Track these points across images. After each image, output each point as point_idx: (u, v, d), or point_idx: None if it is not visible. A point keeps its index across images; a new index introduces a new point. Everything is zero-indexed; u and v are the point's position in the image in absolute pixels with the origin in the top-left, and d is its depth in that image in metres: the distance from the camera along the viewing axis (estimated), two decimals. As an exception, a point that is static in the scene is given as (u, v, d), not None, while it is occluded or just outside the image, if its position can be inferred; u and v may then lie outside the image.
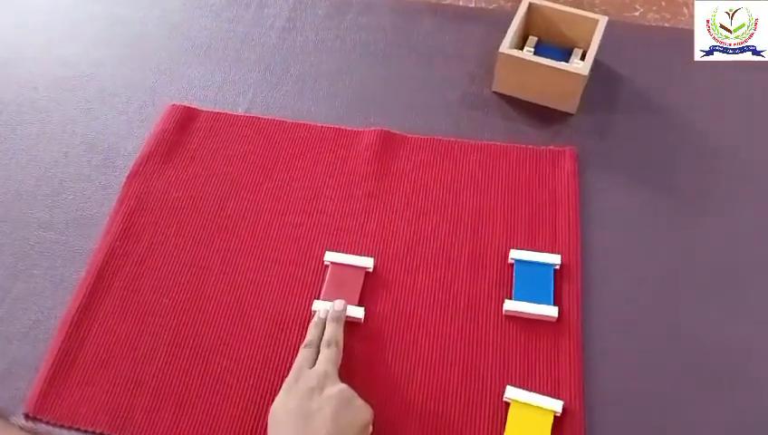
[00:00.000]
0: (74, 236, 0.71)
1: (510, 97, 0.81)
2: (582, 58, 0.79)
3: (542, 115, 0.80)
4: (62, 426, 0.59)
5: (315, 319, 0.62)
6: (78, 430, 0.59)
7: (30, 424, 0.59)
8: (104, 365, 0.62)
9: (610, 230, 0.70)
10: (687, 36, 0.82)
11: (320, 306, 0.64)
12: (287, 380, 0.57)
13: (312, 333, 0.61)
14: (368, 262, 0.67)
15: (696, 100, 0.80)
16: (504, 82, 0.81)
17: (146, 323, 0.65)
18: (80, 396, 0.60)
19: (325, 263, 0.68)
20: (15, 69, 0.86)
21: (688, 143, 0.77)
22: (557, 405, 0.58)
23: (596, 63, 0.77)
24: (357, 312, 0.64)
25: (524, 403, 0.59)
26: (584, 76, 0.75)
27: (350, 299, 0.64)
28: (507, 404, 0.59)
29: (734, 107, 0.80)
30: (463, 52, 0.86)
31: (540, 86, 0.78)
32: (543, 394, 0.59)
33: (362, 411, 0.55)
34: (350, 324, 0.63)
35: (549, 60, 0.76)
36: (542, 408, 0.59)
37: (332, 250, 0.68)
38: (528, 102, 0.81)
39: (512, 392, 0.60)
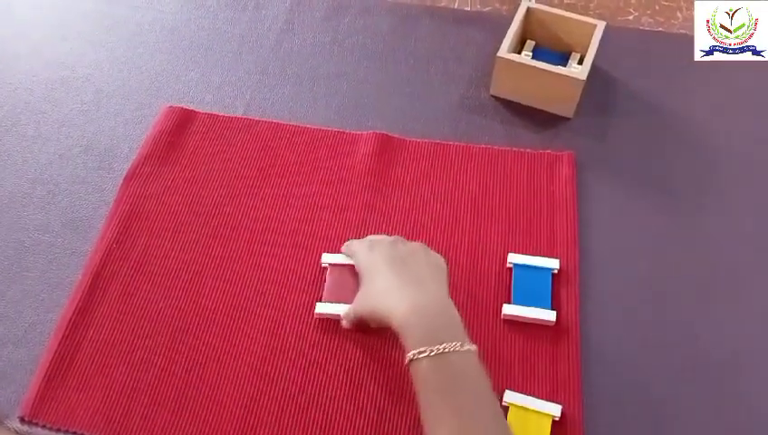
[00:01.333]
0: (70, 238, 0.71)
1: (508, 101, 0.82)
2: (580, 62, 0.79)
3: (540, 119, 0.80)
4: (58, 430, 0.59)
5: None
6: (74, 433, 0.59)
7: (26, 428, 0.59)
8: (101, 369, 0.62)
9: (608, 234, 0.70)
10: (683, 40, 0.82)
11: (324, 309, 0.64)
12: (360, 245, 0.63)
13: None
14: None
15: (694, 103, 0.81)
16: (503, 86, 0.81)
17: (142, 327, 0.64)
18: (76, 400, 0.60)
19: (323, 265, 0.68)
20: (10, 70, 0.86)
21: (686, 146, 0.77)
22: (555, 409, 0.58)
23: (593, 68, 0.77)
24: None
25: (523, 407, 0.59)
26: (582, 81, 0.75)
27: (351, 299, 0.64)
28: (506, 408, 0.59)
29: (732, 109, 0.80)
30: (461, 55, 0.87)
31: (538, 90, 0.79)
32: (542, 398, 0.59)
33: (440, 258, 0.60)
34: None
35: (547, 64, 0.76)
36: (540, 412, 0.59)
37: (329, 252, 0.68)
38: (526, 106, 0.81)
39: (510, 397, 0.59)
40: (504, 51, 0.77)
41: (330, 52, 0.87)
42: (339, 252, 0.68)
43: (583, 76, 0.75)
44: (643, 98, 0.82)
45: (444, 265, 0.59)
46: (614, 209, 0.72)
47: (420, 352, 0.51)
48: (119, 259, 0.68)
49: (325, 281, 0.66)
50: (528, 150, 0.76)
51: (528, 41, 0.84)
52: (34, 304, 0.67)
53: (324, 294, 0.66)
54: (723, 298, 0.66)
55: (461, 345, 0.51)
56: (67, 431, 0.59)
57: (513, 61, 0.77)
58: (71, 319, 0.64)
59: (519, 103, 0.81)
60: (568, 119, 0.80)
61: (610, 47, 0.81)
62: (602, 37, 0.78)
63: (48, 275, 0.68)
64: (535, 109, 0.80)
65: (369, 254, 0.60)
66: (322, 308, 0.64)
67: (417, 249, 0.60)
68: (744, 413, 0.60)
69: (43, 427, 0.59)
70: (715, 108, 0.80)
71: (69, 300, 0.66)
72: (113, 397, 0.60)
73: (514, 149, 0.77)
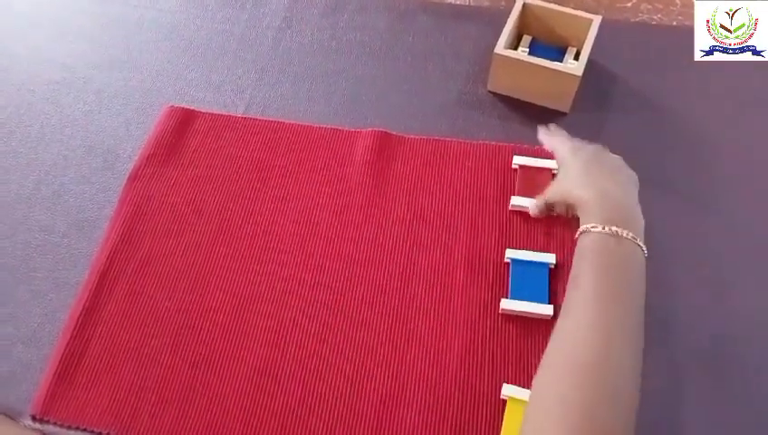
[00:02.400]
0: (76, 239, 0.72)
1: (505, 96, 0.82)
2: (576, 57, 0.80)
3: (537, 114, 0.81)
4: (69, 427, 0.60)
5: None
6: (85, 430, 0.60)
7: (37, 425, 0.61)
8: (109, 368, 0.63)
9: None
10: (681, 34, 0.83)
11: (517, 201, 0.71)
12: (566, 142, 0.66)
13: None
14: None
15: (691, 98, 0.81)
16: (500, 82, 0.82)
17: (148, 326, 0.66)
18: (85, 398, 0.62)
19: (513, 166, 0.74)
20: (11, 71, 0.87)
21: (682, 141, 0.78)
22: None
23: (590, 62, 0.78)
24: None
25: (521, 400, 0.60)
26: (578, 76, 0.76)
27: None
28: (504, 401, 0.61)
29: (729, 104, 0.81)
30: (458, 51, 0.87)
31: (534, 86, 0.79)
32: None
33: (635, 175, 0.62)
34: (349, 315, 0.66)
35: (543, 60, 0.77)
36: None
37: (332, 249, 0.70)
38: (523, 102, 0.82)
39: (508, 390, 0.61)
40: (501, 47, 0.78)
41: (328, 49, 0.88)
42: (341, 244, 0.70)
43: (579, 72, 0.76)
44: (640, 92, 0.82)
45: (637, 181, 0.61)
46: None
47: (593, 227, 0.54)
48: (124, 260, 0.69)
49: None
50: (525, 146, 0.77)
51: (525, 36, 0.84)
52: (42, 303, 0.68)
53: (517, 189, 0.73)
54: (719, 293, 0.67)
55: (638, 241, 0.54)
56: (78, 428, 0.60)
57: (510, 57, 0.78)
58: (78, 319, 0.65)
59: (516, 99, 0.82)
60: (564, 114, 0.81)
61: (608, 41, 0.81)
62: (600, 30, 0.79)
63: (55, 275, 0.70)
64: (532, 104, 0.81)
65: (575, 151, 0.63)
66: (517, 201, 0.71)
67: (619, 160, 0.62)
68: (745, 404, 0.61)
69: (55, 424, 0.61)
70: (713, 102, 0.81)
71: (76, 300, 0.67)
72: (121, 395, 0.62)
73: (512, 144, 0.77)
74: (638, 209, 0.57)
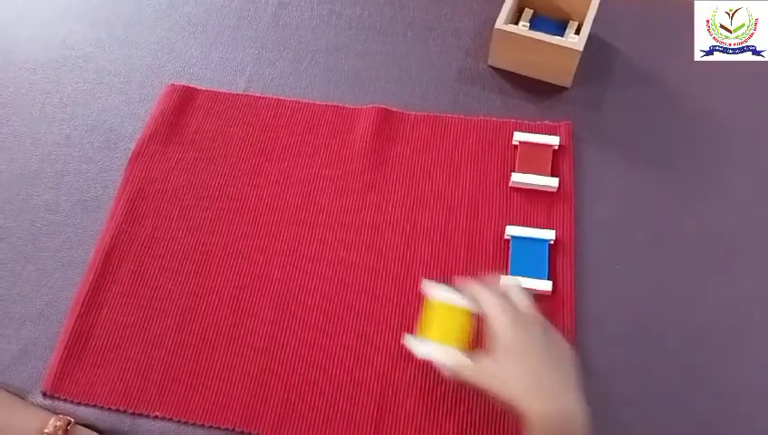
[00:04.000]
0: (80, 218, 0.73)
1: (506, 71, 0.82)
2: (578, 31, 0.79)
3: (538, 89, 0.80)
4: (78, 403, 0.62)
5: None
6: (94, 406, 0.62)
7: (47, 402, 0.62)
8: (116, 346, 0.65)
9: (605, 203, 0.72)
10: (683, 9, 0.82)
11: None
12: (502, 312, 0.56)
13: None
14: None
15: (691, 72, 0.81)
16: (500, 57, 0.81)
17: (153, 306, 0.67)
18: (94, 375, 0.63)
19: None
20: (11, 50, 0.87)
21: (683, 116, 0.78)
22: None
23: (591, 37, 0.77)
24: None
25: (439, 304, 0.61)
26: (579, 51, 0.75)
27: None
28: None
29: (731, 80, 0.80)
30: (458, 26, 0.87)
31: (535, 61, 0.79)
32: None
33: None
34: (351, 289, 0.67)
35: (544, 35, 0.76)
36: (455, 307, 0.60)
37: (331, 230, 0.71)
38: (524, 77, 0.81)
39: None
40: (501, 22, 0.78)
41: (327, 25, 0.88)
42: (342, 226, 0.70)
43: (580, 47, 0.75)
44: (641, 66, 0.82)
45: (573, 362, 0.56)
46: (610, 179, 0.74)
47: None
48: (128, 240, 0.70)
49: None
50: (526, 121, 0.77)
51: (526, 10, 0.84)
52: (49, 283, 0.69)
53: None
54: (718, 268, 0.68)
55: None
56: (87, 405, 0.62)
57: (511, 32, 0.77)
58: (85, 298, 0.67)
59: (517, 74, 0.82)
60: (565, 89, 0.80)
61: (609, 15, 0.80)
62: (601, 4, 0.78)
63: (61, 255, 0.71)
64: (533, 79, 0.81)
65: (518, 331, 0.55)
66: (517, 177, 0.70)
67: (561, 341, 0.57)
68: (741, 380, 0.62)
69: (65, 400, 0.62)
70: (715, 77, 0.80)
71: (82, 280, 0.68)
72: (129, 372, 0.63)
73: (512, 120, 0.77)
74: (582, 406, 0.53)
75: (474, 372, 0.56)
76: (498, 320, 0.56)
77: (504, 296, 0.58)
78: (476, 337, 0.59)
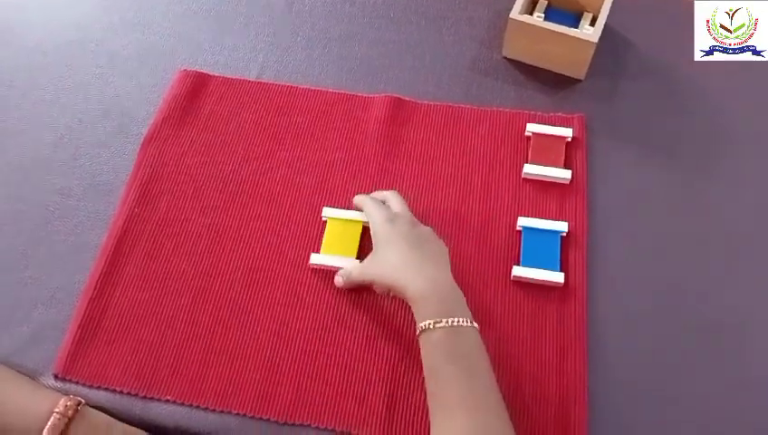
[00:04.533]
0: (93, 201, 0.73)
1: (520, 62, 0.82)
2: (592, 23, 0.79)
3: (552, 81, 0.80)
4: (91, 386, 0.62)
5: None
6: (107, 389, 0.62)
7: (59, 384, 0.62)
8: (128, 328, 0.65)
9: (617, 196, 0.72)
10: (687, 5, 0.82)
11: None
12: (378, 216, 0.64)
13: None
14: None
15: (707, 64, 0.81)
16: (514, 48, 0.81)
17: (166, 287, 0.67)
18: (107, 357, 0.63)
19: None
20: (23, 34, 0.87)
21: (697, 109, 0.78)
22: None
23: (606, 28, 0.77)
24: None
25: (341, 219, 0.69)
26: (594, 43, 0.75)
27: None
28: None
29: (747, 76, 0.80)
30: (472, 15, 0.87)
31: (549, 52, 0.79)
32: (549, 359, 0.62)
33: (444, 245, 0.63)
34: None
35: (559, 26, 0.76)
36: (349, 220, 0.69)
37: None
38: (538, 68, 0.81)
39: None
40: (516, 12, 0.77)
41: (341, 12, 0.87)
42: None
43: (595, 39, 0.75)
44: (656, 59, 0.82)
45: (447, 252, 0.63)
46: (623, 172, 0.73)
47: (436, 323, 0.55)
48: (141, 223, 0.70)
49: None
50: (539, 113, 0.77)
51: (540, 0, 0.83)
52: (61, 265, 0.69)
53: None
54: (730, 260, 0.68)
55: (470, 322, 0.57)
56: (99, 387, 0.62)
57: (525, 22, 0.77)
58: (98, 281, 0.67)
59: (531, 65, 0.81)
60: (579, 81, 0.80)
61: (624, 6, 0.80)
62: (615, -3, 0.78)
63: (73, 239, 0.71)
64: (547, 70, 0.81)
65: (388, 225, 0.63)
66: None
67: (430, 233, 0.64)
68: (751, 372, 0.62)
69: (77, 383, 0.62)
70: (729, 69, 0.80)
71: (95, 262, 0.68)
72: (142, 354, 0.63)
73: (526, 111, 0.77)
74: (455, 284, 0.59)
75: (360, 270, 0.64)
76: (373, 219, 0.64)
77: (381, 202, 0.67)
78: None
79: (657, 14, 0.85)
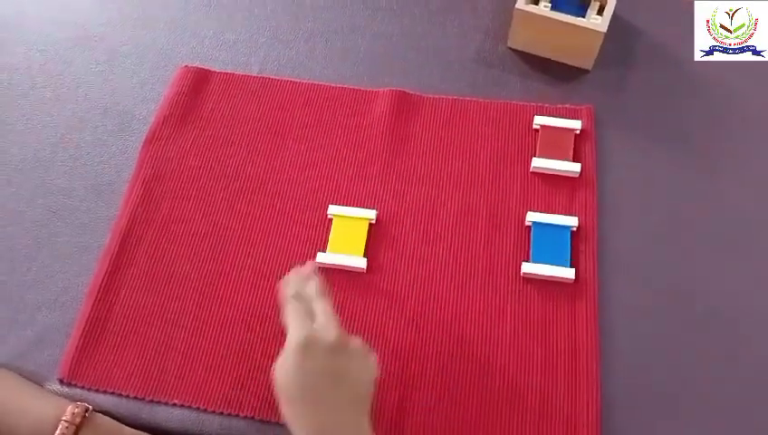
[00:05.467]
0: (95, 202, 0.72)
1: (526, 53, 0.80)
2: (600, 12, 0.77)
3: (559, 72, 0.79)
4: (96, 390, 0.61)
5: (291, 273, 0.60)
6: (112, 393, 0.61)
7: (65, 389, 0.62)
8: (134, 331, 0.64)
9: (627, 188, 0.71)
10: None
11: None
12: (295, 339, 0.51)
13: (292, 285, 0.57)
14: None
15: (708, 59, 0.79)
16: (520, 39, 0.80)
17: (171, 289, 0.66)
18: (112, 361, 0.62)
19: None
20: (22, 31, 0.85)
21: (706, 99, 0.76)
22: None
23: (614, 17, 0.75)
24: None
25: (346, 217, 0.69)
26: (602, 33, 0.74)
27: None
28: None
29: (757, 66, 0.78)
30: (477, 5, 0.85)
31: (556, 42, 0.77)
32: (561, 355, 0.61)
33: (375, 367, 0.54)
34: (357, 275, 0.66)
35: (566, 15, 0.75)
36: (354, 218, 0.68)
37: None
38: (544, 59, 0.80)
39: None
40: (522, 2, 0.76)
41: (343, 4, 0.86)
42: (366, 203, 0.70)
43: (603, 28, 0.74)
44: (665, 49, 0.80)
45: (369, 382, 0.53)
46: (633, 164, 0.72)
47: None
48: (144, 223, 0.69)
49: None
50: (546, 105, 0.76)
51: (546, -11, 0.82)
52: (64, 268, 0.68)
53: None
54: (741, 253, 0.67)
55: None
56: (105, 392, 0.61)
57: (531, 12, 0.76)
58: (101, 283, 0.66)
59: (537, 56, 0.80)
60: (587, 71, 0.79)
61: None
62: (624, -16, 0.77)
63: (76, 240, 0.70)
64: (554, 61, 0.79)
65: (299, 358, 0.51)
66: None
67: (355, 362, 0.53)
68: (761, 366, 0.61)
69: (82, 388, 0.61)
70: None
71: (98, 264, 0.67)
72: (147, 358, 0.63)
73: (533, 103, 0.76)
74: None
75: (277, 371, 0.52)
76: (288, 340, 0.52)
77: (303, 306, 0.54)
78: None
79: (666, 1, 0.83)
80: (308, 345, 0.51)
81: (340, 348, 0.52)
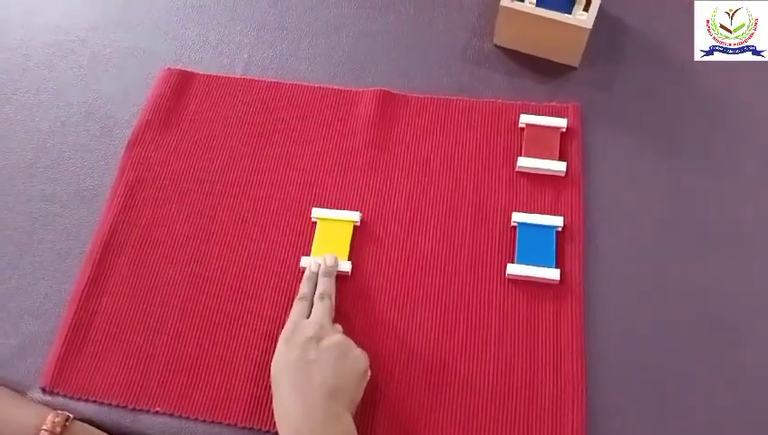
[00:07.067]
0: (78, 208, 0.71)
1: (512, 51, 0.79)
2: (587, 7, 0.76)
3: (545, 69, 0.78)
4: (78, 398, 0.61)
5: (307, 273, 0.64)
6: (95, 402, 0.61)
7: (47, 398, 0.61)
8: (116, 338, 0.63)
9: (614, 188, 0.70)
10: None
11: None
12: (284, 332, 0.59)
13: (305, 286, 0.63)
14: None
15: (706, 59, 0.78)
16: (506, 36, 0.79)
17: (154, 295, 0.65)
18: (94, 369, 0.62)
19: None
20: (4, 35, 0.85)
21: (694, 97, 0.75)
22: None
23: (601, 13, 0.74)
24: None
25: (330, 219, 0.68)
26: (587, 29, 0.73)
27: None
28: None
29: (746, 63, 0.77)
30: (462, 2, 0.84)
31: (542, 39, 0.76)
32: (546, 357, 0.61)
33: (360, 361, 0.57)
34: (342, 278, 0.66)
35: (551, 12, 0.74)
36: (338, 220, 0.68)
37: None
38: (531, 56, 0.79)
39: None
40: (507, -1, 0.75)
41: (327, 3, 0.85)
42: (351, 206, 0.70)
43: (589, 24, 0.73)
44: (653, 45, 0.79)
45: (360, 371, 0.57)
46: (620, 163, 0.71)
47: None
48: (126, 229, 0.69)
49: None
50: (533, 103, 0.75)
51: (532, -15, 0.81)
52: (47, 275, 0.68)
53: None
54: (728, 254, 0.66)
55: None
56: (87, 400, 0.61)
57: (517, 9, 0.75)
58: (83, 290, 0.65)
59: (523, 53, 0.79)
60: (574, 68, 0.78)
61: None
62: (611, -22, 0.76)
63: (58, 247, 0.69)
64: (540, 58, 0.78)
65: (282, 348, 0.57)
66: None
67: (331, 354, 0.56)
68: (747, 368, 0.61)
69: (65, 396, 0.61)
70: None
71: (80, 271, 0.67)
72: (130, 365, 0.62)
73: (519, 101, 0.75)
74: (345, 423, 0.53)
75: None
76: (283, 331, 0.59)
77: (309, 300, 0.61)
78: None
79: (654, 3, 0.82)
80: (288, 337, 0.58)
81: (315, 340, 0.56)
